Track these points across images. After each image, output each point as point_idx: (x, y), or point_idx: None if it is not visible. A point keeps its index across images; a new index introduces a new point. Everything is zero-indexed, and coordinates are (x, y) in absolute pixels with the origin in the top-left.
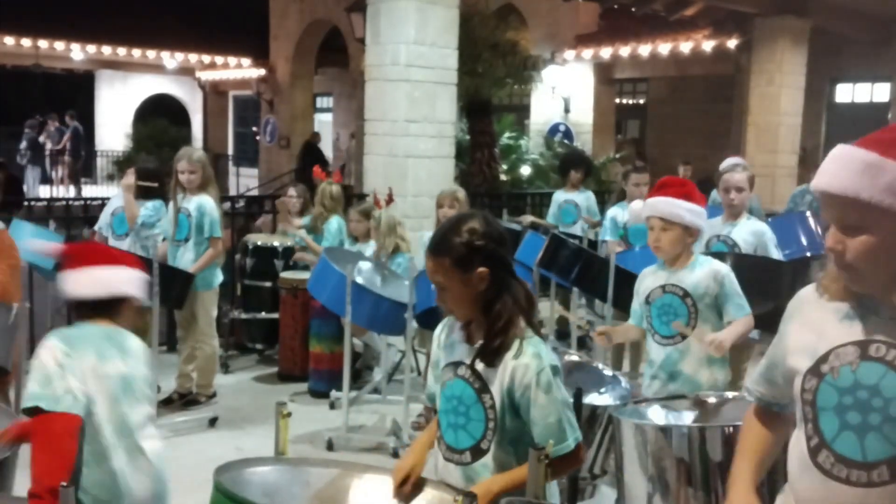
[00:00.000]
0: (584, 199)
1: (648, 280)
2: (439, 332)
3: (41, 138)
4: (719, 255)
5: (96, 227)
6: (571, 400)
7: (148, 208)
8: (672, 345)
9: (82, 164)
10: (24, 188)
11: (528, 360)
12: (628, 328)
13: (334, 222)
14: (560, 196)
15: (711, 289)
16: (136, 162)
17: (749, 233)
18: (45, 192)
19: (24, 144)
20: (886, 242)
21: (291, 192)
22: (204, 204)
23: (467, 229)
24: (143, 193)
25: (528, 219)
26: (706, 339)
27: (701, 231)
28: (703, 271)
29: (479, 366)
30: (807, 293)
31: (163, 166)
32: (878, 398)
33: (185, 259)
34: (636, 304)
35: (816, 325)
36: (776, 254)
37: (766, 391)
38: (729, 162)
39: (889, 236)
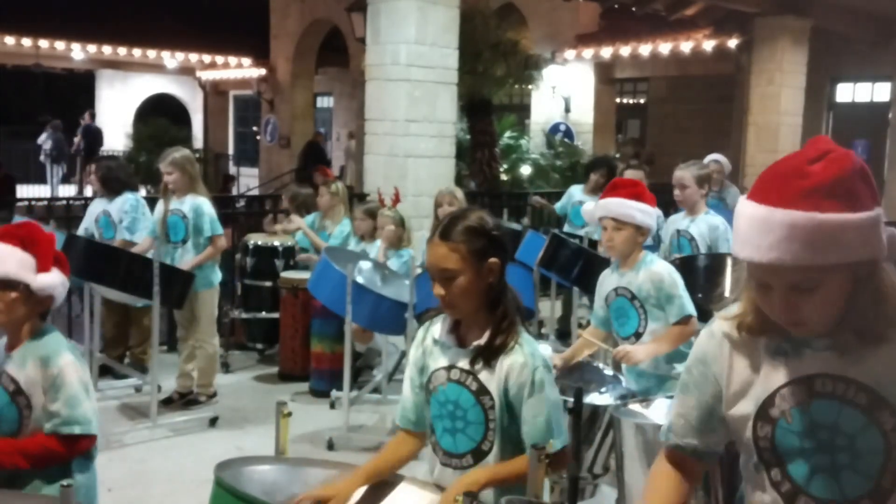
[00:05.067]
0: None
1: (606, 282)
2: (421, 337)
3: (43, 140)
4: (720, 257)
5: (83, 229)
6: (563, 401)
7: (117, 204)
8: (630, 345)
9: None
10: (53, 188)
11: (524, 359)
12: (582, 345)
13: (345, 224)
14: (576, 194)
15: (651, 291)
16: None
17: (705, 227)
18: (63, 191)
19: (49, 144)
20: (836, 292)
21: (284, 197)
22: (200, 205)
23: (480, 219)
24: (110, 191)
25: (538, 200)
26: (614, 351)
27: (651, 230)
28: (645, 273)
29: (477, 367)
30: (720, 329)
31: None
32: (840, 436)
33: (184, 260)
34: (597, 305)
35: (748, 364)
36: (725, 248)
37: (700, 443)
38: (708, 158)
39: (838, 285)
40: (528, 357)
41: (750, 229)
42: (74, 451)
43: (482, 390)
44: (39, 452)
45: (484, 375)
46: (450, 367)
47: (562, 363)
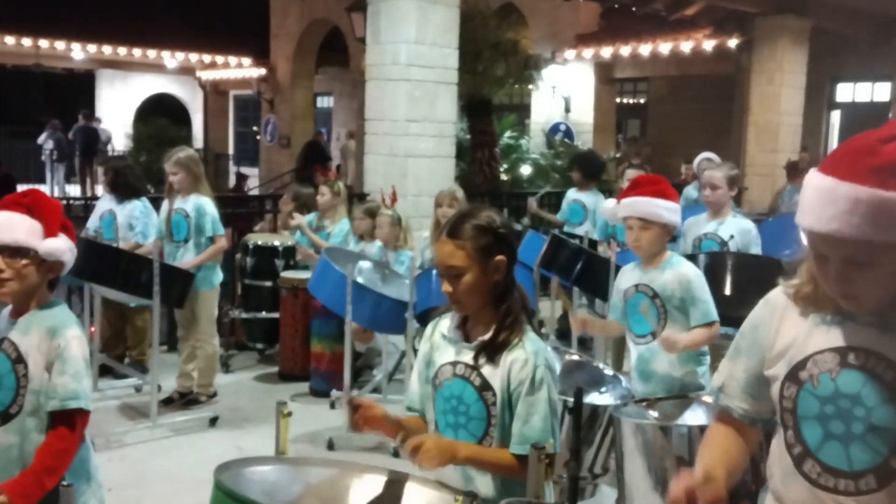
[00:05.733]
0: (594, 200)
1: (626, 277)
2: (430, 332)
3: (43, 140)
4: (720, 256)
5: (88, 230)
6: (563, 401)
7: (126, 209)
8: (643, 344)
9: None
10: (53, 188)
11: (527, 356)
12: (609, 323)
13: (345, 223)
14: (571, 194)
15: (677, 292)
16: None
17: (736, 231)
18: (68, 191)
19: (50, 144)
20: (893, 270)
21: (286, 197)
22: (203, 204)
23: (488, 217)
24: (120, 194)
25: (533, 205)
26: (661, 336)
27: (678, 227)
28: (671, 273)
29: (481, 362)
30: (777, 297)
31: (133, 164)
32: (859, 407)
33: (186, 259)
34: (616, 298)
35: (792, 330)
36: (755, 252)
37: (750, 407)
38: (700, 157)
39: (895, 264)
40: (531, 355)
41: (814, 199)
42: (80, 430)
43: (485, 386)
44: (57, 460)
45: (487, 371)
46: (455, 363)
47: (588, 323)
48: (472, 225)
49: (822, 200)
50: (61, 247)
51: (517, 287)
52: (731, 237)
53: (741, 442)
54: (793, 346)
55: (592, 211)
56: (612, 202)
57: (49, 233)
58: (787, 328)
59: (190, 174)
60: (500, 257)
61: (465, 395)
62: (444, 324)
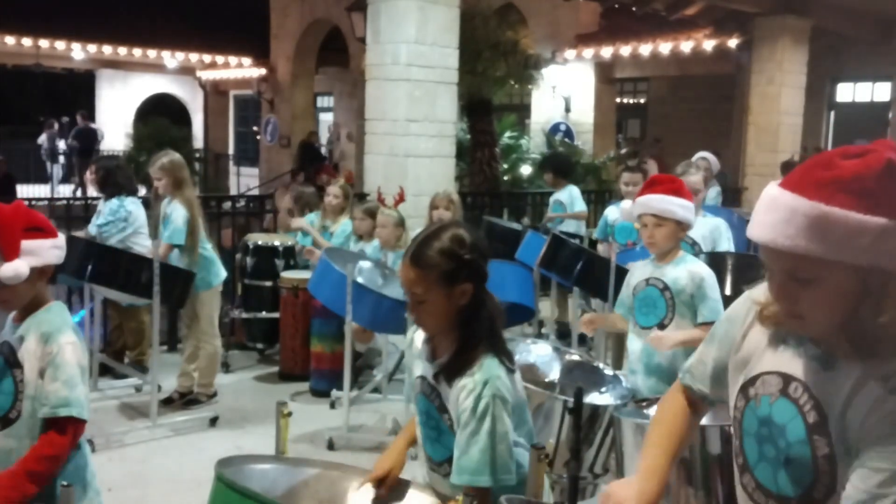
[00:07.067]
0: (567, 195)
1: (637, 272)
2: (409, 340)
3: (43, 139)
4: (720, 256)
5: (89, 230)
6: (563, 401)
7: (105, 206)
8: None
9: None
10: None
11: (474, 385)
12: (615, 317)
13: (347, 224)
14: (553, 196)
15: (689, 287)
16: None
17: (706, 229)
18: (63, 190)
19: (46, 145)
20: (838, 292)
21: (279, 192)
22: (171, 211)
23: (454, 239)
24: (107, 193)
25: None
26: (651, 334)
27: (692, 225)
28: (684, 268)
29: (440, 384)
30: (757, 296)
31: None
32: (782, 439)
33: (173, 262)
34: (624, 294)
35: (755, 341)
36: (726, 247)
37: (710, 392)
38: (697, 156)
39: (841, 286)
40: (478, 384)
41: (759, 206)
42: (73, 438)
43: (443, 407)
44: (41, 465)
45: (444, 393)
46: (423, 378)
47: (593, 319)
48: (435, 251)
49: (765, 208)
50: (20, 270)
51: (489, 308)
52: (703, 237)
53: (690, 419)
54: (751, 360)
55: (569, 206)
56: (629, 202)
57: (7, 254)
58: (753, 334)
59: (172, 179)
60: (465, 285)
61: (431, 412)
62: (420, 333)
